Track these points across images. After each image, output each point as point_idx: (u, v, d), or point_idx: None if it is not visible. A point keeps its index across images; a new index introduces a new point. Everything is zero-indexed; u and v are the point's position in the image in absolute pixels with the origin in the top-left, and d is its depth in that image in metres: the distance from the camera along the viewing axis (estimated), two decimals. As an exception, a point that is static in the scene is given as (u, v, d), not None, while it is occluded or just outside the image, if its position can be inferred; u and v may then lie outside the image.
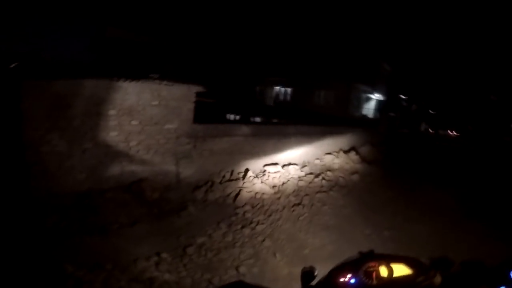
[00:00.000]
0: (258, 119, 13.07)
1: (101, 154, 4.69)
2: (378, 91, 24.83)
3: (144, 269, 3.37)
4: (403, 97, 30.49)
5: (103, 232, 3.95)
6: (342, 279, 1.06)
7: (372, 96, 24.82)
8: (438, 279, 1.00)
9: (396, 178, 8.61)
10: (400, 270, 1.04)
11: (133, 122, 4.95)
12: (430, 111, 31.83)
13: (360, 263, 1.05)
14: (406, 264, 1.05)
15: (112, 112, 4.70)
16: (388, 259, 1.05)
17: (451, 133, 26.53)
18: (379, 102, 25.64)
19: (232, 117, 13.42)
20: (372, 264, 1.03)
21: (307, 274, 1.21)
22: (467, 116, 29.53)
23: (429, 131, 26.74)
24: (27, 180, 4.10)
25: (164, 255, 3.67)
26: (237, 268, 3.71)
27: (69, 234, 3.73)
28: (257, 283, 1.17)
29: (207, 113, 7.66)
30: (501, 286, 0.97)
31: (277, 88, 25.38)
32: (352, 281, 1.03)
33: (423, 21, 25.60)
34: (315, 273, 1.20)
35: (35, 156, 4.10)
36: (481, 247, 4.54)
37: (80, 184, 4.51)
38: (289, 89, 24.57)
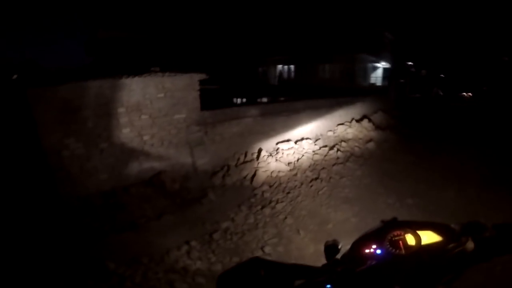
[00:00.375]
0: (264, 99, 12.93)
1: (118, 152, 4.77)
2: (384, 60, 24.06)
3: (177, 259, 3.48)
4: (411, 63, 29.51)
5: (133, 227, 4.08)
6: (367, 251, 1.01)
7: (378, 65, 24.07)
8: (470, 245, 0.94)
9: (413, 143, 8.44)
10: (429, 237, 0.98)
11: (143, 117, 4.98)
12: (441, 75, 30.74)
13: (384, 232, 0.99)
14: (435, 230, 0.99)
15: (121, 109, 4.73)
16: (414, 226, 0.99)
17: (465, 94, 25.57)
18: (386, 70, 24.87)
19: (238, 100, 13.31)
20: (397, 232, 0.97)
21: (331, 248, 1.16)
22: (480, 78, 28.37)
23: (440, 94, 25.84)
24: (54, 186, 4.24)
25: (193, 243, 3.76)
26: (262, 249, 3.76)
27: (103, 233, 3.88)
28: (273, 259, 1.14)
29: (213, 100, 7.61)
30: None
31: (279, 67, 24.89)
32: (378, 251, 0.99)
33: None
34: (339, 247, 1.15)
35: (57, 161, 4.20)
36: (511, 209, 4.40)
37: (103, 183, 4.63)
38: (292, 67, 24.07)
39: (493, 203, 4.68)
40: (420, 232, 0.97)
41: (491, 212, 4.31)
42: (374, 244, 1.01)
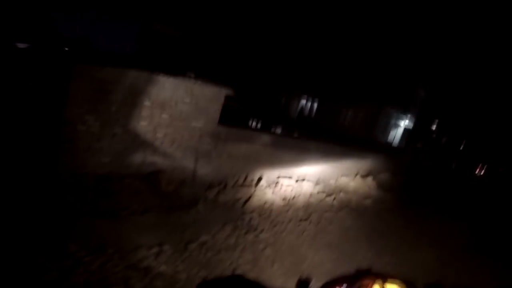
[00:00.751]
0: (279, 130, 13.17)
1: (129, 141, 5.02)
2: (409, 118, 23.97)
3: (143, 258, 3.51)
4: (434, 127, 29.27)
5: (113, 216, 4.13)
6: None
7: (400, 123, 24.10)
8: None
9: (409, 208, 8.53)
10: None
11: (164, 115, 5.26)
12: (461, 146, 30.33)
13: (356, 279, 1.11)
14: (400, 285, 1.11)
15: (146, 103, 5.03)
16: (383, 278, 1.10)
17: (478, 171, 25.13)
18: (407, 131, 24.86)
19: (254, 124, 13.61)
20: (367, 281, 1.09)
21: (303, 283, 1.27)
22: (501, 157, 27.81)
23: (452, 167, 25.49)
24: (55, 157, 4.42)
25: (165, 247, 3.82)
26: (233, 271, 3.81)
27: (81, 214, 3.91)
28: (256, 279, 1.25)
29: (231, 117, 7.88)
30: None
31: (303, 101, 25.30)
32: None
33: (468, 46, 24.38)
34: (310, 284, 1.26)
35: (70, 134, 4.47)
36: (481, 278, 4.74)
37: (102, 166, 4.83)
38: (315, 104, 24.41)
39: (465, 270, 5.05)
40: (387, 285, 1.10)
41: (461, 277, 4.69)
42: (343, 287, 1.13)
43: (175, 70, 5.45)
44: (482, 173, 25.01)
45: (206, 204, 5.36)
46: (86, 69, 4.33)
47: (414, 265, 4.88)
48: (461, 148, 30.24)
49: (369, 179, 9.11)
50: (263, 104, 20.88)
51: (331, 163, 8.43)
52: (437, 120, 28.64)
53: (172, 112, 5.34)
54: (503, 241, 7.26)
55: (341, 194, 7.52)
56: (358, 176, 8.99)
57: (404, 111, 22.08)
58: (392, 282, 1.13)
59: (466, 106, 27.63)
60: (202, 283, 0.97)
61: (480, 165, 26.41)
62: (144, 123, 5.10)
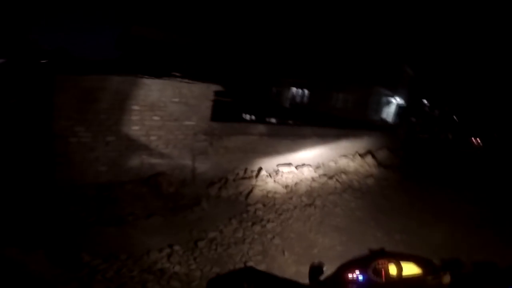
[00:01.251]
0: (273, 120, 13.12)
1: (123, 147, 4.94)
2: (399, 95, 24.12)
3: (156, 260, 3.51)
4: (426, 102, 29.49)
5: (119, 223, 4.13)
6: (350, 275, 1.07)
7: (392, 100, 24.18)
8: (447, 279, 0.99)
9: (412, 183, 8.47)
10: (410, 269, 1.04)
11: (155, 118, 5.18)
12: (454, 117, 30.65)
13: (370, 260, 1.05)
14: (416, 263, 1.05)
15: (135, 107, 4.94)
16: (398, 258, 1.05)
17: (474, 140, 25.41)
18: (399, 107, 24.96)
19: (248, 117, 13.53)
20: (381, 261, 1.03)
21: (316, 269, 1.21)
22: (494, 124, 28.19)
23: (449, 137, 25.74)
24: (52, 170, 4.37)
25: (176, 247, 3.81)
26: (245, 263, 3.80)
27: (88, 224, 3.93)
28: (266, 270, 1.20)
29: (224, 112, 7.80)
30: None
31: (294, 89, 25.24)
32: (360, 277, 1.04)
33: (450, 22, 24.59)
34: (324, 269, 1.21)
35: (62, 147, 4.38)
36: (496, 254, 4.43)
37: (101, 175, 4.77)
38: (306, 91, 24.38)
39: (478, 245, 4.84)
40: (403, 263, 1.04)
41: (475, 252, 4.47)
42: (357, 270, 1.07)
43: (160, 72, 5.35)
44: (478, 141, 25.28)
45: (209, 201, 5.32)
46: (67, 80, 4.22)
47: (425, 242, 4.79)
48: (455, 119, 30.54)
49: (369, 158, 9.12)
50: (255, 96, 20.76)
51: (329, 145, 8.42)
52: (428, 95, 28.86)
53: (163, 113, 5.25)
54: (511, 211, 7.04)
55: (343, 176, 7.51)
56: (357, 156, 8.99)
57: (394, 88, 22.18)
58: (408, 261, 1.06)
59: (454, 78, 27.86)
60: (212, 279, 0.95)
61: (476, 133, 26.69)
62: (136, 127, 5.01)
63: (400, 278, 1.02)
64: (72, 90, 4.28)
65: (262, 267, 3.80)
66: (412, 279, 1.04)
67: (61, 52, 15.25)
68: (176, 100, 5.37)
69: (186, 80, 5.44)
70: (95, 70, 4.60)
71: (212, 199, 5.47)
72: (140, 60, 14.25)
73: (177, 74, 5.73)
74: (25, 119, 4.88)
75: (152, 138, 5.23)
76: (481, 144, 24.58)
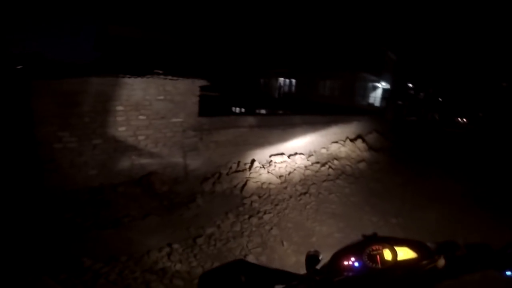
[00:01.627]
0: (263, 111, 13.07)
1: (111, 149, 4.81)
2: (384, 80, 24.44)
3: (156, 260, 3.48)
4: (410, 85, 29.93)
5: (116, 225, 4.06)
6: (345, 263, 1.06)
7: (378, 84, 24.47)
8: (441, 262, 0.99)
9: (404, 165, 8.61)
10: (404, 253, 1.04)
11: (141, 117, 5.05)
12: (439, 99, 31.26)
13: (364, 246, 1.05)
14: (410, 247, 1.05)
15: (119, 108, 4.80)
16: (392, 242, 1.04)
17: (460, 120, 26.04)
18: (385, 91, 25.28)
19: (237, 110, 13.45)
20: (375, 247, 1.02)
21: (312, 258, 1.20)
22: (478, 103, 28.87)
23: (436, 118, 26.28)
24: (41, 178, 4.24)
25: (175, 246, 3.77)
26: (245, 257, 3.80)
27: (85, 229, 3.86)
28: (257, 262, 1.18)
29: (212, 106, 7.71)
30: (508, 268, 0.94)
31: (281, 79, 25.21)
32: (356, 264, 1.03)
33: (428, 7, 24.88)
34: (320, 257, 1.20)
35: (48, 154, 4.22)
36: (490, 234, 4.56)
37: (92, 179, 4.65)
38: (293, 80, 24.38)
39: (472, 225, 4.94)
40: (397, 248, 1.03)
41: (469, 233, 4.56)
42: (353, 257, 1.06)
43: (142, 70, 5.21)
44: (464, 120, 25.91)
45: (204, 197, 5.27)
46: (44, 85, 4.04)
47: (421, 225, 4.86)
48: (439, 100, 31.13)
49: (359, 142, 9.21)
50: (242, 89, 20.62)
51: (320, 132, 8.44)
52: (411, 78, 29.28)
53: (149, 112, 5.13)
54: (504, 190, 7.17)
55: (335, 162, 7.56)
56: (347, 141, 9.06)
57: (378, 73, 22.45)
58: (402, 245, 1.05)
59: (436, 61, 28.30)
60: (204, 274, 0.92)
61: (461, 113, 27.33)
62: (122, 128, 4.88)
63: (395, 263, 1.01)
64: (51, 95, 4.10)
65: (262, 259, 3.81)
66: (407, 263, 1.02)
67: (36, 57, 14.71)
68: (161, 97, 5.24)
69: (170, 77, 5.31)
70: (73, 73, 4.42)
71: (207, 195, 5.42)
72: (120, 60, 13.89)
73: (160, 71, 5.59)
74: (7, 127, 4.69)
75: (140, 137, 5.11)
76: (467, 123, 25.19)
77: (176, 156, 5.58)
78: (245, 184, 5.83)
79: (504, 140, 15.72)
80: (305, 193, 5.86)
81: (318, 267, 1.19)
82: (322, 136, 8.56)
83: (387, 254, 1.02)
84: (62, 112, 4.25)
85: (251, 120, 6.84)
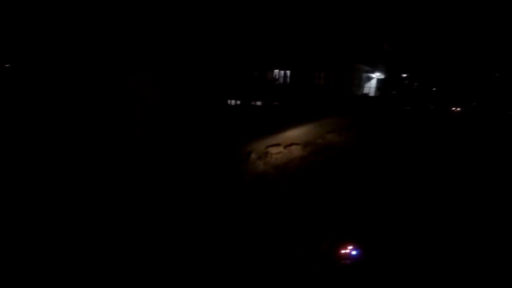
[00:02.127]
0: (259, 103, 13.03)
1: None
2: (379, 71, 24.40)
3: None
4: (404, 75, 29.97)
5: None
6: (343, 251, 1.10)
7: (372, 75, 24.44)
8: None
9: (398, 155, 8.63)
10: None
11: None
12: (433, 89, 31.39)
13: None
14: None
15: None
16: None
17: (454, 109, 26.15)
18: (380, 81, 25.26)
19: (233, 102, 13.36)
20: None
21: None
22: (471, 93, 29.02)
23: (430, 108, 26.35)
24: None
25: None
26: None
27: None
28: None
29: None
30: None
31: (276, 71, 24.94)
32: (354, 252, 1.07)
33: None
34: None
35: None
36: None
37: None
38: (288, 72, 24.17)
39: None
40: None
41: None
42: (350, 246, 1.10)
43: None
44: (459, 110, 26.01)
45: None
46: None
47: None
48: (433, 90, 31.26)
49: (353, 131, 9.24)
50: (238, 82, 20.47)
51: (316, 123, 8.47)
52: (405, 68, 29.31)
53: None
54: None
55: (331, 151, 7.62)
56: (343, 131, 9.10)
57: (373, 64, 22.38)
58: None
59: (429, 51, 28.33)
60: None
61: (455, 102, 27.43)
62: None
63: None
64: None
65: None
66: None
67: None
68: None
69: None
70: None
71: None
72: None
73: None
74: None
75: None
76: (461, 112, 25.25)
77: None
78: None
79: (496, 126, 15.85)
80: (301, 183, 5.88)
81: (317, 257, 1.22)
82: (318, 126, 8.57)
83: None
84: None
85: (247, 112, 6.79)
